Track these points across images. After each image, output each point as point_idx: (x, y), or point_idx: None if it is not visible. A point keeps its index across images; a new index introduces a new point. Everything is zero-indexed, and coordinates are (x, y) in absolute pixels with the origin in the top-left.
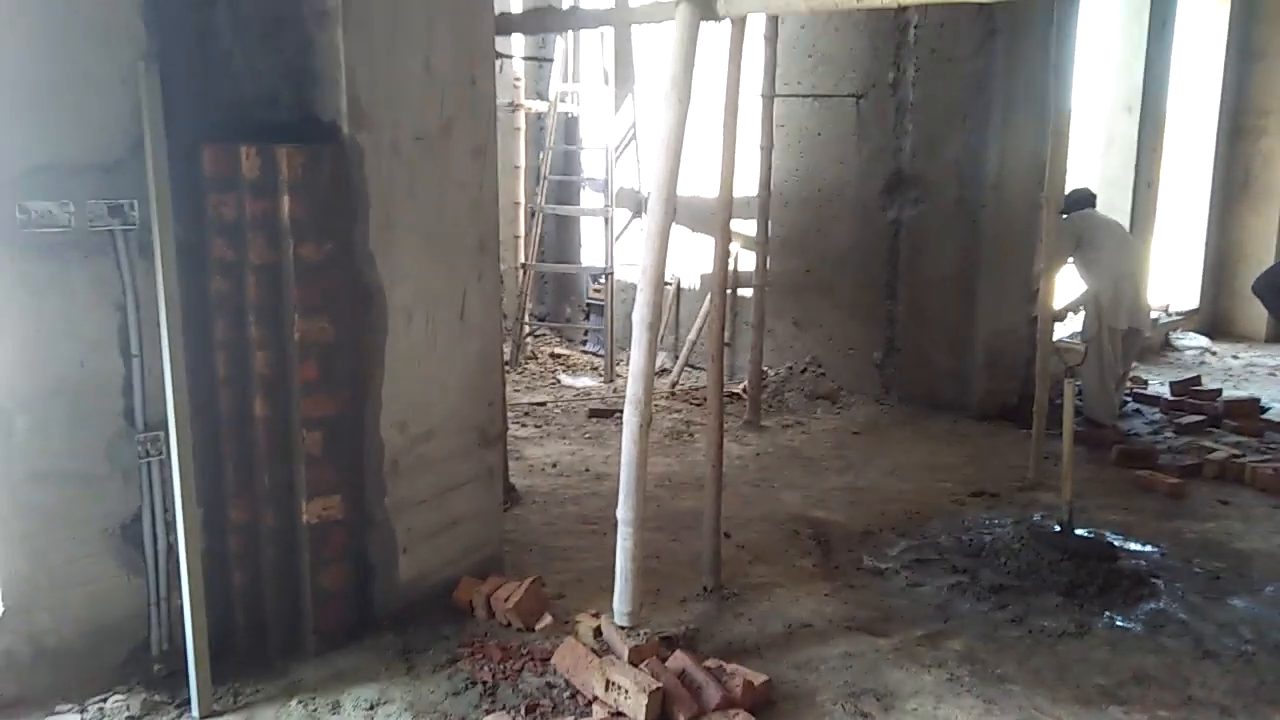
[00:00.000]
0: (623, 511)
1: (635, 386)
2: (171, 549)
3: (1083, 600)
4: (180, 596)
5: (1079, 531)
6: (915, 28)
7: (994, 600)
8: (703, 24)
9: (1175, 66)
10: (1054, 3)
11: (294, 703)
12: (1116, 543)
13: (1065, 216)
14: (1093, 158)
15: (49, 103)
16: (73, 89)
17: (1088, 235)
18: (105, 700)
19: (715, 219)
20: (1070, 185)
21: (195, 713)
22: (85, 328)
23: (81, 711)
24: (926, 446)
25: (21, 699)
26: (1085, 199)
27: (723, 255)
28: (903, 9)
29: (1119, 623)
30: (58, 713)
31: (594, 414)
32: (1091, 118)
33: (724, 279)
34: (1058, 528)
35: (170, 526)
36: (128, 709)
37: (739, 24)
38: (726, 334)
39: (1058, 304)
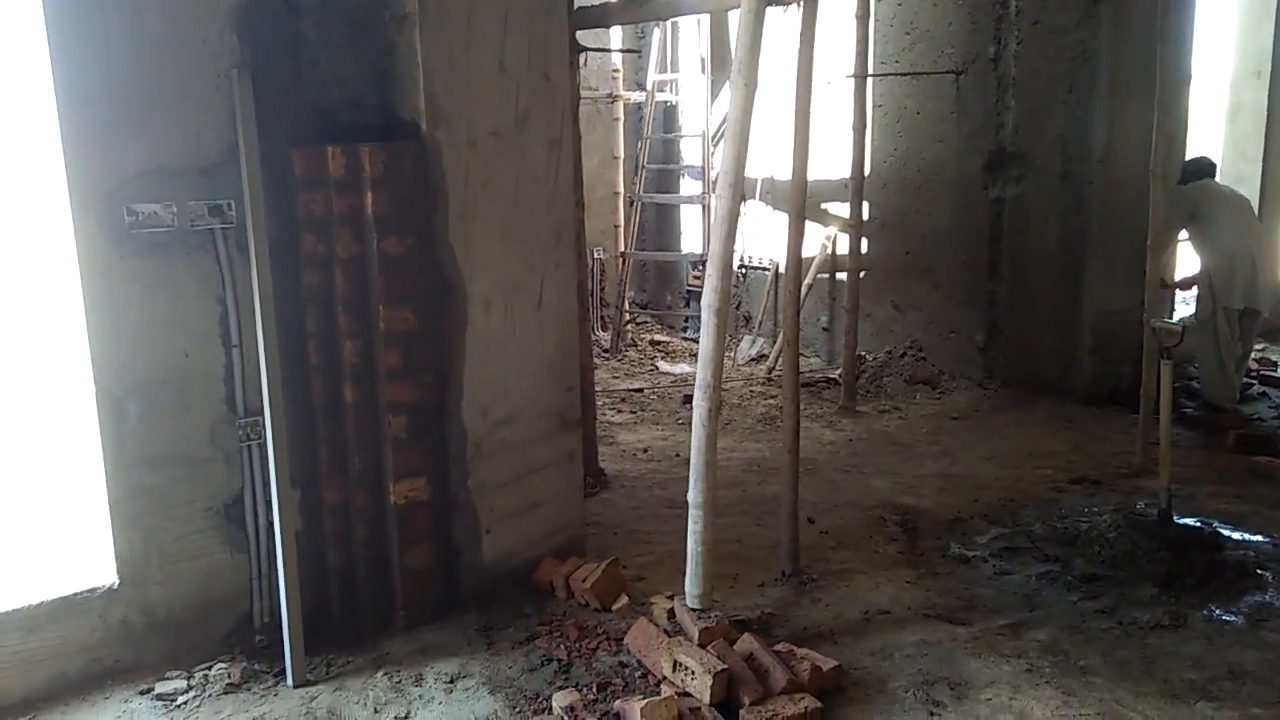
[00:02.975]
0: (693, 495)
1: (704, 371)
2: (271, 528)
3: (1180, 592)
4: (279, 573)
5: (1181, 520)
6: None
7: (1084, 590)
8: (773, 8)
9: None
10: None
11: (380, 674)
12: (1224, 532)
13: (1180, 187)
14: (1219, 127)
15: (151, 111)
16: (172, 98)
17: (1203, 208)
18: (210, 668)
19: (790, 201)
20: (1191, 155)
21: (290, 681)
22: (190, 320)
23: (189, 678)
24: (1027, 432)
25: (136, 665)
26: (1203, 169)
27: (797, 238)
28: None
29: (1218, 615)
30: (167, 678)
31: (688, 400)
32: (1217, 85)
33: (799, 262)
34: (1157, 516)
35: (269, 506)
36: (229, 677)
37: (810, 6)
38: (825, 319)
39: (1177, 276)
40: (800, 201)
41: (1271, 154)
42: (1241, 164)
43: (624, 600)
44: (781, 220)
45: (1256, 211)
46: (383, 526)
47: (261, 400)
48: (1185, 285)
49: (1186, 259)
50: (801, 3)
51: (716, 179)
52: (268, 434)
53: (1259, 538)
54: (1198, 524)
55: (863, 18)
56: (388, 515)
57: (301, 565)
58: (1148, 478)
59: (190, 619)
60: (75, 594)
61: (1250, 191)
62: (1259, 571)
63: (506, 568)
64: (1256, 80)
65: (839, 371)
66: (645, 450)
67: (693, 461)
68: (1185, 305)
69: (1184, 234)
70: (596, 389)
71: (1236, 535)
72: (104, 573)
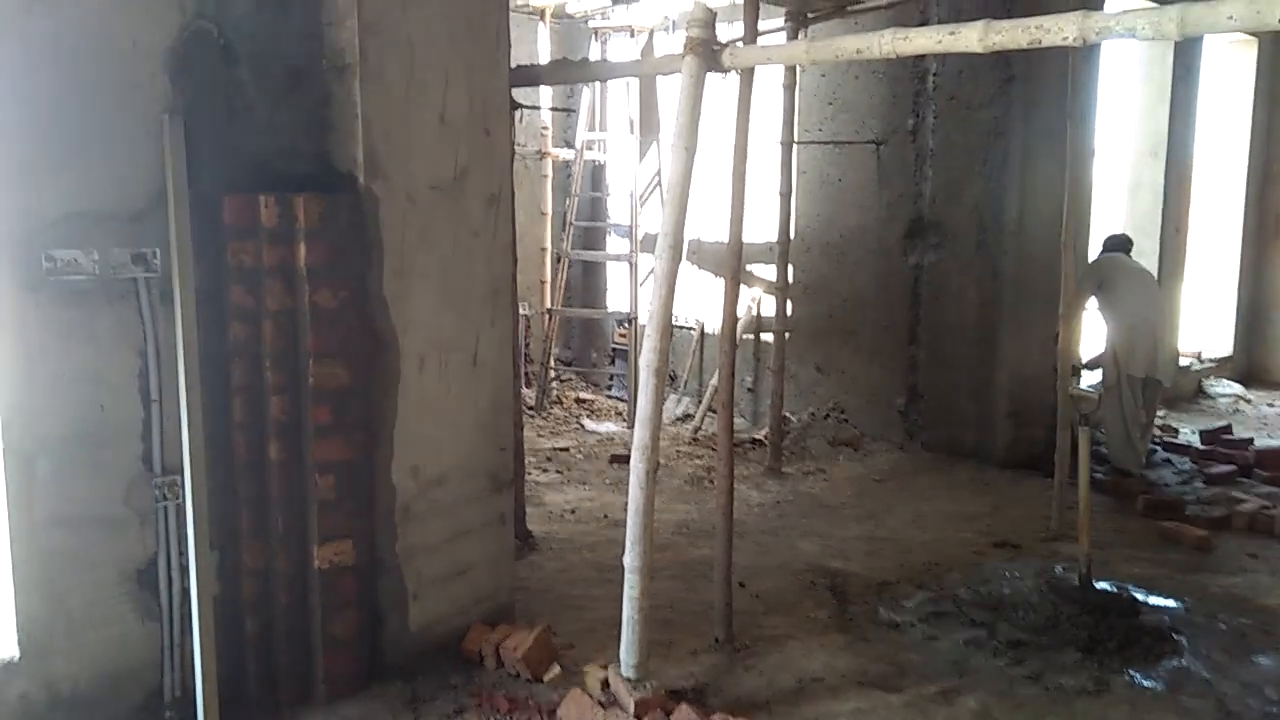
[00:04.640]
0: (630, 559)
1: (642, 432)
2: (186, 594)
3: (1102, 656)
4: (193, 642)
5: (1100, 585)
6: (934, 75)
7: (1011, 655)
8: (711, 76)
9: (1202, 111)
10: (1069, 51)
11: None
12: (1139, 597)
13: (1091, 260)
14: (1119, 202)
15: (77, 155)
16: (100, 141)
17: (1108, 279)
18: None
19: (725, 265)
20: (1096, 230)
21: None
22: (108, 373)
23: None
24: (949, 495)
25: None
26: (1115, 244)
27: (732, 301)
28: (920, 57)
29: (1139, 681)
30: None
31: (615, 459)
32: (1118, 162)
33: (734, 325)
34: (1077, 581)
35: (185, 571)
36: None
37: (746, 75)
38: (750, 379)
39: (1084, 355)
40: (736, 265)
41: (1168, 230)
42: (1141, 238)
43: (556, 670)
44: (707, 279)
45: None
46: (305, 592)
47: (181, 458)
48: (1092, 366)
49: (1094, 329)
50: (739, 72)
51: (644, 238)
52: (186, 493)
53: (1172, 602)
54: (1115, 589)
55: (789, 87)
56: (311, 580)
57: (218, 634)
58: (1065, 541)
59: (97, 694)
60: None
61: (1150, 264)
62: (1175, 636)
63: (434, 635)
64: (1153, 159)
65: (764, 432)
66: (573, 511)
67: (629, 524)
68: (1091, 372)
69: (1093, 302)
70: (523, 447)
71: (1152, 600)
72: (3, 645)
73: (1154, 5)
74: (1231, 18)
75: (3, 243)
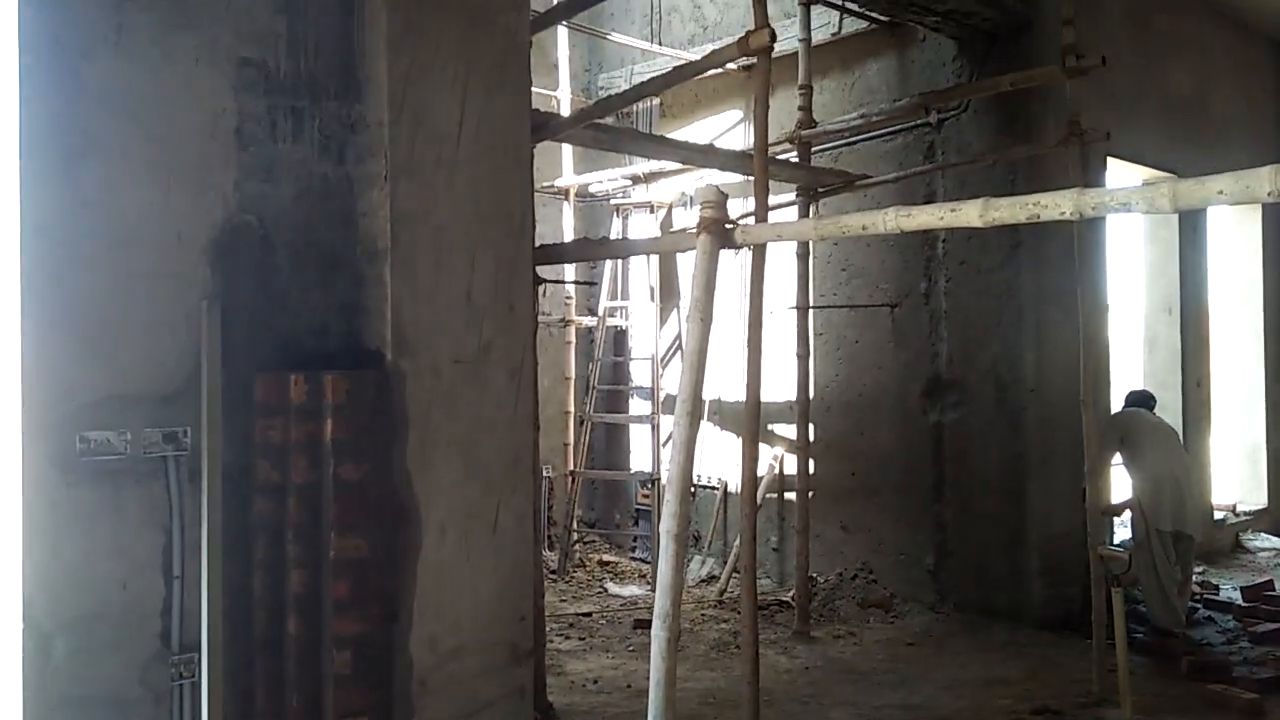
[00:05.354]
0: None
1: (663, 600)
2: None
3: None
4: None
5: None
6: (943, 241)
7: None
8: (725, 251)
9: (1212, 267)
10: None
11: None
12: None
13: (1112, 415)
14: (1138, 357)
15: (118, 340)
16: (140, 327)
17: (1129, 435)
18: None
19: (744, 426)
20: (1117, 385)
21: None
22: (132, 549)
23: None
24: (984, 658)
25: None
26: (1136, 399)
27: (751, 462)
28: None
29: None
30: None
31: (639, 625)
32: (1133, 318)
33: (754, 486)
34: None
35: None
36: None
37: (758, 249)
38: (775, 539)
39: (1113, 501)
40: (755, 428)
41: (1189, 384)
42: (1163, 392)
43: None
44: (729, 439)
45: (1181, 438)
46: None
47: (199, 635)
48: (1119, 510)
49: (1121, 485)
50: (751, 248)
51: (665, 399)
52: (203, 672)
53: None
54: None
55: (802, 256)
56: None
57: None
58: (1107, 706)
59: None
60: None
61: (1173, 418)
62: None
63: None
64: (1168, 316)
65: (791, 593)
66: (595, 681)
67: (651, 697)
68: (1124, 528)
69: (1118, 458)
70: (545, 614)
71: None
72: None
73: (1152, 178)
74: (1222, 192)
75: (39, 426)
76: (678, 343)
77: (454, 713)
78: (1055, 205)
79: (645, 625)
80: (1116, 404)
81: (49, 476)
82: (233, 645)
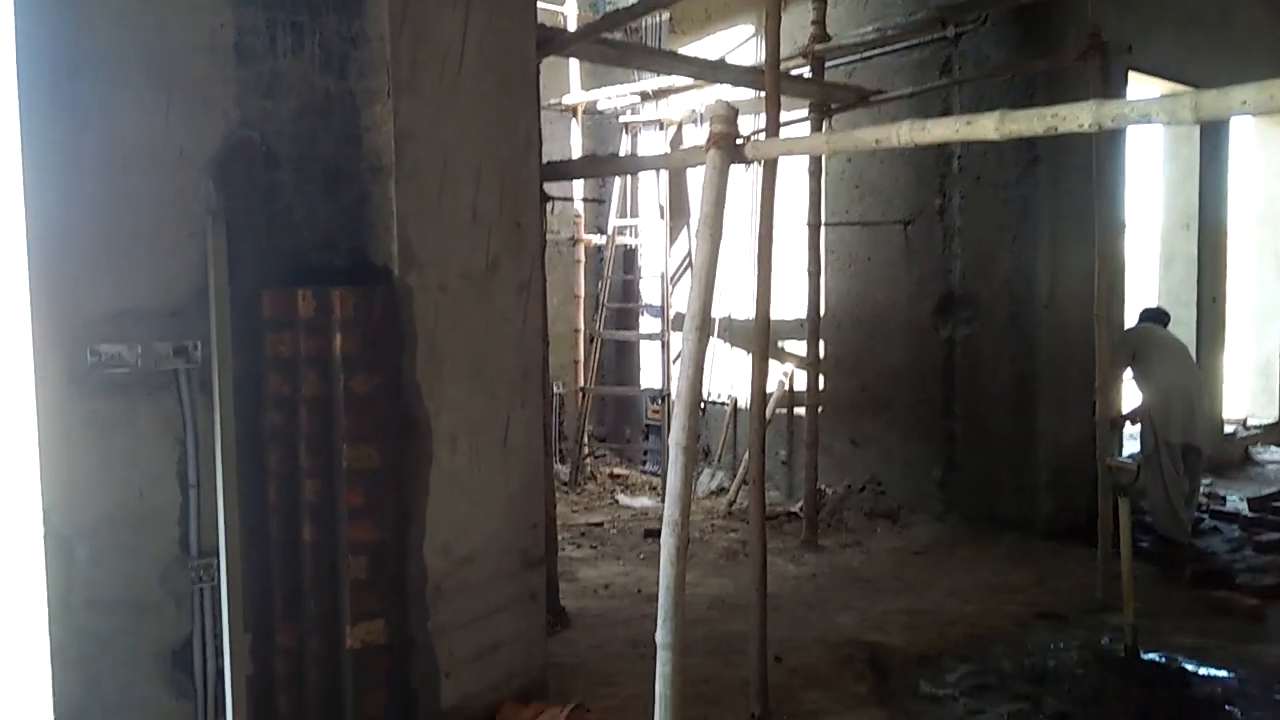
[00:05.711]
0: (661, 636)
1: (672, 509)
2: (220, 674)
3: None
4: None
5: (1149, 656)
6: (959, 158)
7: None
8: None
9: (1233, 182)
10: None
11: None
12: (1189, 668)
13: (1124, 331)
14: (1154, 274)
15: (125, 256)
16: (147, 243)
17: (1141, 350)
18: None
19: (753, 342)
20: (1131, 301)
21: None
22: (147, 460)
23: None
24: (989, 566)
25: None
26: (1150, 315)
27: (760, 377)
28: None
29: None
30: None
31: (649, 534)
32: (1150, 234)
33: (763, 400)
34: (1124, 652)
35: (219, 652)
36: None
37: (769, 165)
38: (784, 453)
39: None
40: (764, 344)
41: (1205, 300)
42: (1178, 309)
43: None
44: (739, 356)
45: (1194, 354)
46: (337, 671)
47: (217, 541)
48: (1132, 418)
49: (1132, 399)
50: (762, 163)
51: (675, 317)
52: (222, 576)
53: (1224, 673)
54: (1164, 660)
55: (815, 173)
56: (343, 659)
57: (251, 713)
58: (1111, 612)
59: None
60: None
61: (1188, 334)
62: (1228, 708)
63: (466, 713)
64: (1185, 232)
65: (799, 505)
66: (606, 587)
67: (661, 601)
68: (1132, 440)
69: (1130, 374)
70: (557, 523)
71: (1203, 671)
72: None
73: (1173, 91)
74: (1245, 103)
75: (50, 339)
76: (688, 260)
77: (468, 616)
78: (1074, 117)
79: (655, 534)
80: (1130, 320)
81: (63, 389)
82: (250, 552)
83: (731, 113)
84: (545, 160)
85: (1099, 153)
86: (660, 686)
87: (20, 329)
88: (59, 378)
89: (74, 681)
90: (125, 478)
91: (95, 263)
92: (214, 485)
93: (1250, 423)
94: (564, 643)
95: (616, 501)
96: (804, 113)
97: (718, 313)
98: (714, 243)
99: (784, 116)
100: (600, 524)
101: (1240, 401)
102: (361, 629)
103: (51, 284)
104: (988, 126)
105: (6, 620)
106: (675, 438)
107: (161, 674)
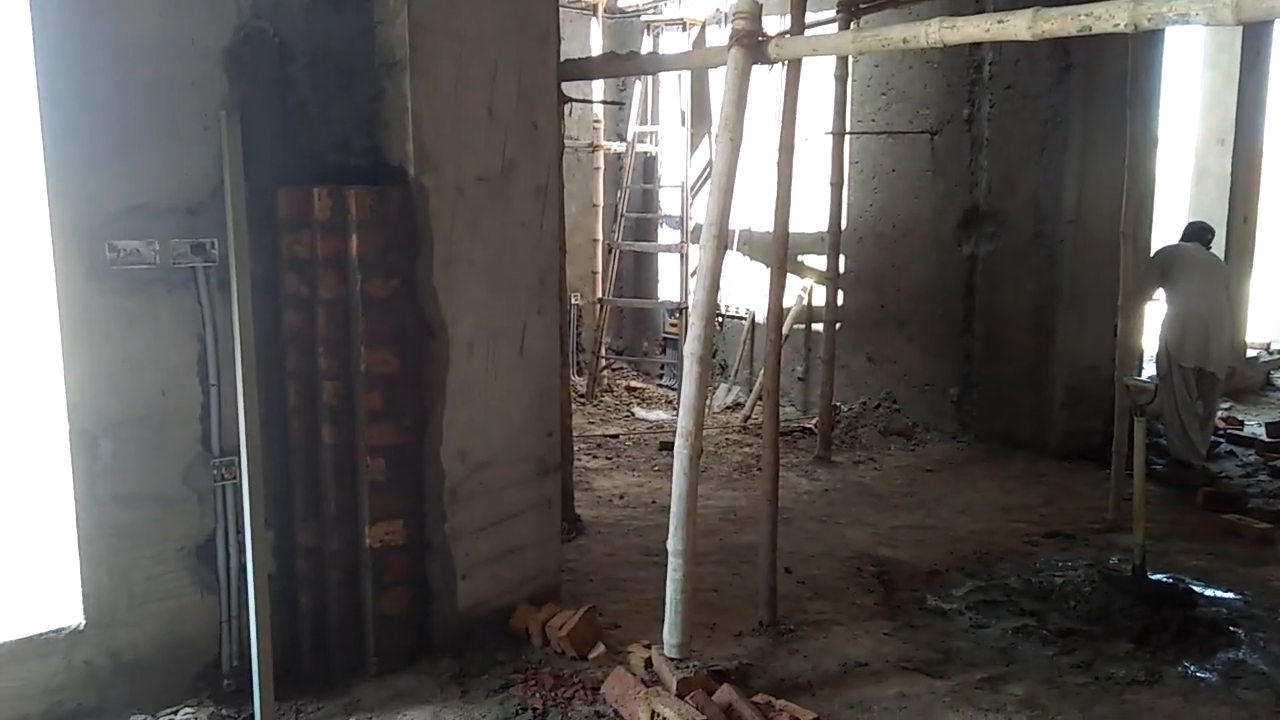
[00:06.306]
0: (673, 543)
1: (686, 419)
2: (243, 569)
3: (1155, 648)
4: (249, 615)
5: (1156, 576)
6: (990, 64)
7: (1061, 645)
8: (762, 67)
9: (1272, 99)
10: (1128, 38)
11: None
12: (1196, 589)
13: (1156, 250)
14: (1185, 191)
15: (139, 150)
16: (161, 137)
17: (1171, 270)
18: (176, 713)
19: (772, 255)
20: (1160, 220)
21: None
22: (168, 357)
23: None
24: (1002, 485)
25: (100, 708)
26: (1191, 232)
27: (778, 291)
28: (975, 45)
29: (1193, 672)
30: None
31: (664, 446)
32: (1183, 150)
33: (779, 314)
34: (1131, 572)
35: (242, 548)
36: None
37: (793, 66)
38: (801, 369)
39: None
40: (782, 256)
41: (1235, 219)
42: None
43: (601, 648)
44: (758, 270)
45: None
46: (357, 570)
47: (238, 440)
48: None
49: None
50: (785, 64)
51: (695, 229)
52: (243, 474)
53: (1231, 595)
54: (1171, 580)
55: (841, 78)
56: (362, 559)
57: (273, 608)
58: (1121, 533)
59: (157, 662)
60: (39, 634)
61: (1216, 254)
62: (1232, 629)
63: (481, 614)
64: (1220, 147)
65: (814, 421)
66: (621, 497)
67: (673, 509)
68: (1152, 363)
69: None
70: (573, 434)
71: (1209, 592)
72: (70, 613)
73: None
74: None
75: (68, 234)
76: (708, 170)
77: (484, 520)
78: (1109, 16)
79: (670, 447)
80: (1158, 238)
81: (82, 285)
82: (271, 451)
83: (756, 9)
84: (563, 59)
85: (1135, 60)
86: (671, 591)
87: (39, 223)
88: (79, 273)
89: (101, 574)
90: (147, 375)
91: (110, 156)
92: (234, 384)
93: (1275, 346)
94: (578, 549)
95: (633, 414)
96: (831, 13)
97: (736, 224)
98: (734, 147)
99: (811, 18)
100: (616, 436)
101: (1267, 325)
102: (380, 529)
103: (67, 176)
104: (1020, 26)
105: (36, 515)
106: (690, 347)
107: (187, 567)
